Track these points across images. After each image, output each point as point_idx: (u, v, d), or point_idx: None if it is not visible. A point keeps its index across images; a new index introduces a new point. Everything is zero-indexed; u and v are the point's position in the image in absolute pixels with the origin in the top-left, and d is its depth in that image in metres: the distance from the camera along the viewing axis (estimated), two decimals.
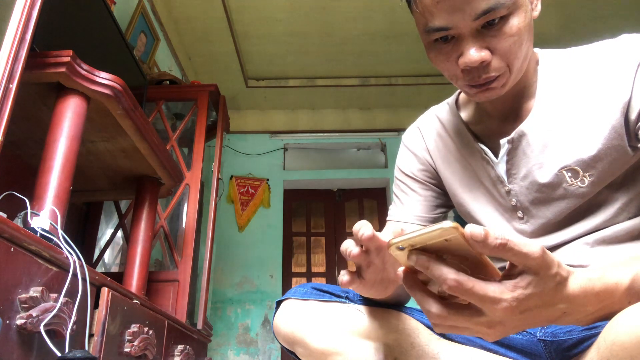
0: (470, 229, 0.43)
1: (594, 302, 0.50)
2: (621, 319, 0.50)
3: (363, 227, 0.52)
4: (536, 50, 0.77)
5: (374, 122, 4.58)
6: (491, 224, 0.80)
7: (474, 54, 0.64)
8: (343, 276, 0.57)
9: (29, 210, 1.07)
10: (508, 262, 0.47)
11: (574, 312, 0.50)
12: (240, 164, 4.36)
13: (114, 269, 2.39)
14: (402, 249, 0.46)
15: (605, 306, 0.51)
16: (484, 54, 0.65)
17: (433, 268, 0.45)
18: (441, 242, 0.44)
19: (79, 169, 1.49)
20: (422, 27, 0.68)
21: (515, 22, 0.64)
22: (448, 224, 0.42)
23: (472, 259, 0.46)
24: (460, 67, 0.67)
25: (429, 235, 0.44)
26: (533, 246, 0.45)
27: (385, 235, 0.53)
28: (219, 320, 3.82)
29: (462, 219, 0.87)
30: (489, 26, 0.64)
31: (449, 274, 0.45)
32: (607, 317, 0.51)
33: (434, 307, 0.48)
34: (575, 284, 0.49)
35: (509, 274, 0.47)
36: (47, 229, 1.06)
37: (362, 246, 0.54)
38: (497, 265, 0.69)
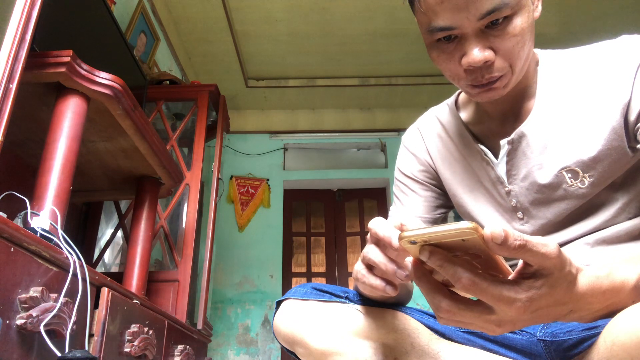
0: (490, 230, 0.42)
1: (601, 300, 0.50)
2: (621, 320, 0.50)
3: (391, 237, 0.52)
4: (536, 50, 0.77)
5: (374, 122, 4.58)
6: None
7: (477, 53, 0.64)
8: (387, 286, 0.55)
9: (29, 210, 1.07)
10: (521, 261, 0.46)
11: (580, 309, 0.50)
12: (240, 164, 4.36)
13: (114, 269, 2.39)
14: (414, 242, 0.45)
15: (611, 304, 0.51)
16: (488, 54, 0.65)
17: (447, 267, 0.45)
18: (457, 241, 0.44)
19: (79, 169, 1.49)
20: (425, 26, 0.68)
21: (519, 22, 0.64)
22: (467, 224, 0.41)
23: (485, 257, 0.46)
24: (464, 66, 0.67)
25: (446, 234, 0.43)
26: (550, 246, 0.44)
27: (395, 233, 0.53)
28: (219, 320, 3.82)
29: (462, 219, 0.87)
30: (493, 26, 0.64)
31: (463, 273, 0.44)
32: (612, 314, 0.51)
33: (444, 302, 0.47)
34: (584, 282, 0.48)
35: (522, 273, 0.46)
36: (47, 229, 1.06)
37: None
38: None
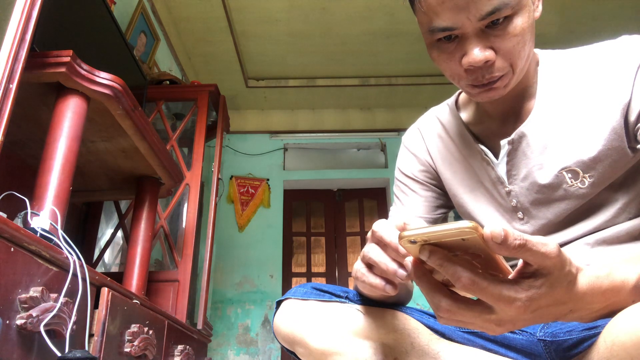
0: (490, 229, 0.42)
1: (601, 300, 0.50)
2: (621, 320, 0.50)
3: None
4: (536, 50, 0.77)
5: (374, 122, 4.58)
6: None
7: (478, 53, 0.64)
8: (387, 285, 0.55)
9: (29, 210, 1.07)
10: (521, 260, 0.46)
11: (580, 309, 0.50)
12: (240, 164, 4.36)
13: (114, 269, 2.39)
14: (414, 242, 0.45)
15: (611, 304, 0.51)
16: (488, 54, 0.65)
17: (446, 266, 0.45)
18: (457, 240, 0.44)
19: (79, 169, 1.49)
20: (425, 26, 0.68)
21: (519, 22, 0.64)
22: (467, 223, 0.41)
23: (485, 256, 0.46)
24: (464, 66, 0.67)
25: (446, 233, 0.43)
26: (550, 246, 0.44)
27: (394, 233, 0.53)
28: (219, 320, 3.82)
29: (462, 219, 0.87)
30: (493, 26, 0.64)
31: (463, 273, 0.44)
32: (612, 314, 0.51)
33: (444, 302, 0.47)
34: (584, 281, 0.48)
35: (522, 273, 0.46)
36: (47, 229, 1.05)
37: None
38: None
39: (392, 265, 0.53)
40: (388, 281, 0.56)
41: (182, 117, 2.59)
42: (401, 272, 0.52)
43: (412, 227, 0.46)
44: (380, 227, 0.55)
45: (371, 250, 0.56)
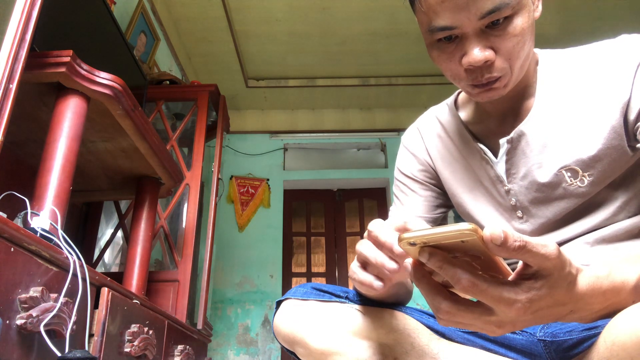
0: (489, 231, 0.42)
1: (601, 300, 0.50)
2: (621, 320, 0.50)
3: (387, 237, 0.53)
4: (536, 50, 0.78)
5: (374, 122, 4.58)
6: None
7: (478, 53, 0.64)
8: (375, 281, 0.56)
9: (29, 210, 1.07)
10: (520, 262, 0.46)
11: (580, 310, 0.50)
12: (240, 164, 4.36)
13: (114, 269, 2.39)
14: (413, 244, 0.45)
15: (611, 304, 0.51)
16: (488, 54, 0.65)
17: (446, 268, 0.45)
18: (456, 242, 0.44)
19: (79, 169, 1.49)
20: (425, 26, 0.68)
21: (519, 22, 0.65)
22: (466, 225, 0.41)
23: (484, 258, 0.46)
24: (464, 66, 0.67)
25: (446, 235, 0.43)
26: (550, 247, 0.44)
27: (392, 235, 0.53)
28: (219, 320, 3.82)
29: (462, 218, 0.87)
30: (493, 26, 0.64)
31: (463, 275, 0.44)
32: (612, 315, 0.51)
33: (444, 304, 0.47)
34: (584, 282, 0.48)
35: (522, 274, 0.46)
36: (47, 229, 1.05)
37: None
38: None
39: (380, 259, 0.53)
40: (377, 277, 0.56)
41: (182, 117, 2.59)
42: (389, 264, 0.52)
43: (411, 229, 0.46)
44: (375, 227, 0.55)
45: (362, 246, 0.56)
